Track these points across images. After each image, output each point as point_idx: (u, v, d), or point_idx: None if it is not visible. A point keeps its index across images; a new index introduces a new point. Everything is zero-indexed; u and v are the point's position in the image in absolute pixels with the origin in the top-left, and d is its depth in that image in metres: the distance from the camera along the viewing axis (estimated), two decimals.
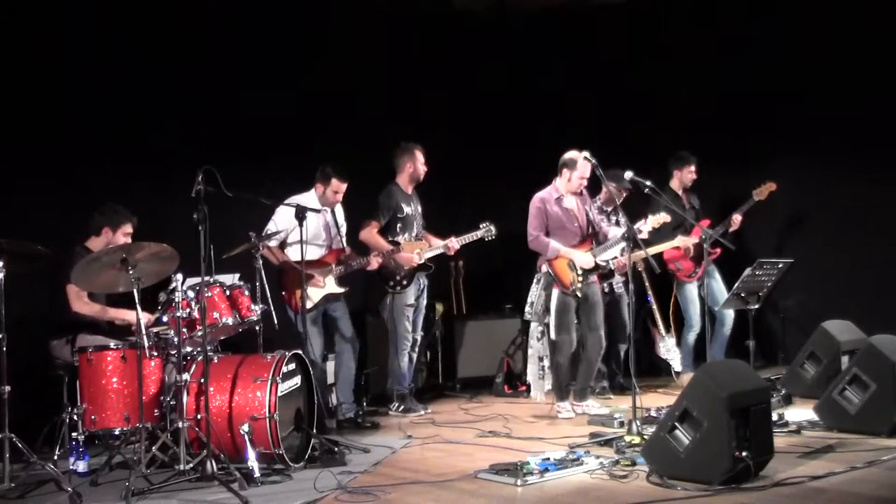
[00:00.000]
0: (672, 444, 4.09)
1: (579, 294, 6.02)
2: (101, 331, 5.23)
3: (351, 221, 6.49)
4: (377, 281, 6.51)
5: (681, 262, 7.05)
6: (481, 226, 6.55)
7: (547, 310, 6.05)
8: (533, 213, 6.15)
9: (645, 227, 6.23)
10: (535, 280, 6.22)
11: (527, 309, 6.23)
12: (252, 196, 5.17)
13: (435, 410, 6.57)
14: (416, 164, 6.56)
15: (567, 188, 6.16)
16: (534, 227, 6.12)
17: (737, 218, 6.98)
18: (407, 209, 6.51)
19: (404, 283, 6.43)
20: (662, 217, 6.30)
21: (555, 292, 6.03)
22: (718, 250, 6.93)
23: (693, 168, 7.16)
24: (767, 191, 6.97)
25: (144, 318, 4.62)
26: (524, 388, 7.22)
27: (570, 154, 6.11)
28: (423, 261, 6.42)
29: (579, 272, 6.02)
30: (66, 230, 5.43)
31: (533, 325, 6.19)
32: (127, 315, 5.20)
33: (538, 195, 6.20)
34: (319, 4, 7.43)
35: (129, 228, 5.37)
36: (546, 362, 6.10)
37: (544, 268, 6.11)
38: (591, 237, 6.23)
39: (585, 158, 6.03)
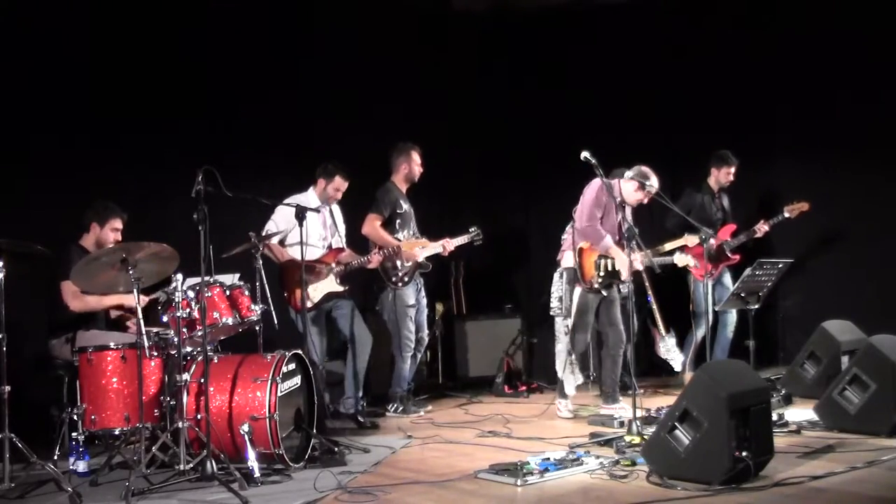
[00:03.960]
0: (672, 444, 4.09)
1: (604, 292, 5.92)
2: (99, 327, 5.24)
3: (350, 221, 6.49)
4: (376, 279, 6.52)
5: (699, 260, 7.04)
6: (470, 230, 6.57)
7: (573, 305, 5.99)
8: (592, 197, 5.90)
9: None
10: (557, 274, 6.17)
11: (554, 304, 6.18)
12: (252, 196, 5.17)
13: (435, 410, 6.57)
14: (411, 165, 6.56)
15: (628, 197, 5.96)
16: (595, 213, 5.88)
17: (763, 228, 6.97)
18: (405, 206, 6.52)
19: (405, 279, 6.43)
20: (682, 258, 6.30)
21: (577, 290, 5.98)
22: (738, 257, 6.95)
23: (732, 170, 7.12)
24: (799, 210, 6.93)
25: (141, 301, 4.63)
26: (524, 387, 7.25)
27: (646, 169, 5.91)
28: (422, 258, 6.43)
29: (601, 273, 5.90)
30: (66, 230, 5.43)
31: (559, 321, 6.13)
32: (122, 299, 5.21)
33: (600, 181, 5.82)
34: (320, 4, 7.43)
35: (117, 224, 5.38)
36: (574, 356, 6.02)
37: (568, 262, 6.04)
38: (622, 242, 6.20)
39: (585, 158, 6.02)
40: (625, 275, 5.85)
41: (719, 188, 7.22)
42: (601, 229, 5.90)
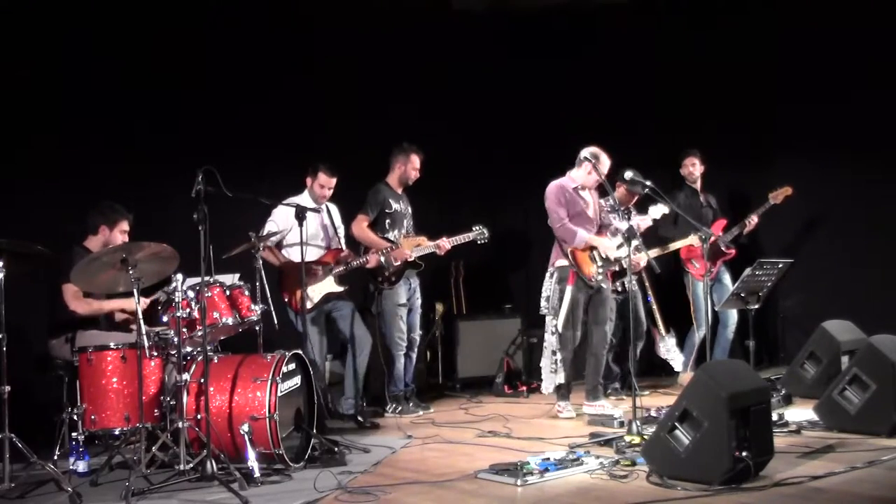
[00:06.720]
0: (672, 444, 4.09)
1: (603, 285, 6.03)
2: (100, 328, 5.24)
3: (348, 222, 6.48)
4: (369, 279, 6.51)
5: (696, 260, 7.05)
6: (474, 228, 6.53)
7: (561, 304, 6.03)
8: (553, 200, 6.06)
9: (645, 221, 6.36)
10: (548, 274, 6.19)
11: (542, 303, 6.19)
12: (252, 196, 5.17)
13: (435, 410, 6.56)
14: (407, 167, 6.53)
15: (586, 181, 6.13)
16: (560, 213, 6.02)
17: (752, 219, 7.02)
18: (395, 206, 6.48)
19: (393, 279, 6.40)
20: (660, 209, 6.34)
21: (568, 288, 6.00)
22: (734, 251, 6.97)
23: (695, 161, 7.18)
24: (783, 195, 6.98)
25: (142, 303, 4.64)
26: (524, 388, 7.24)
27: (594, 149, 6.09)
28: (413, 258, 6.41)
29: (599, 263, 6.01)
30: (66, 230, 5.43)
31: (548, 319, 6.14)
32: (124, 304, 5.22)
33: (555, 182, 6.12)
34: (320, 4, 7.42)
35: (125, 226, 5.38)
36: (559, 356, 6.03)
37: (559, 262, 6.08)
38: (605, 229, 6.25)
39: (586, 159, 6.04)
40: (612, 256, 6.01)
41: (702, 186, 7.24)
42: (572, 226, 6.01)
